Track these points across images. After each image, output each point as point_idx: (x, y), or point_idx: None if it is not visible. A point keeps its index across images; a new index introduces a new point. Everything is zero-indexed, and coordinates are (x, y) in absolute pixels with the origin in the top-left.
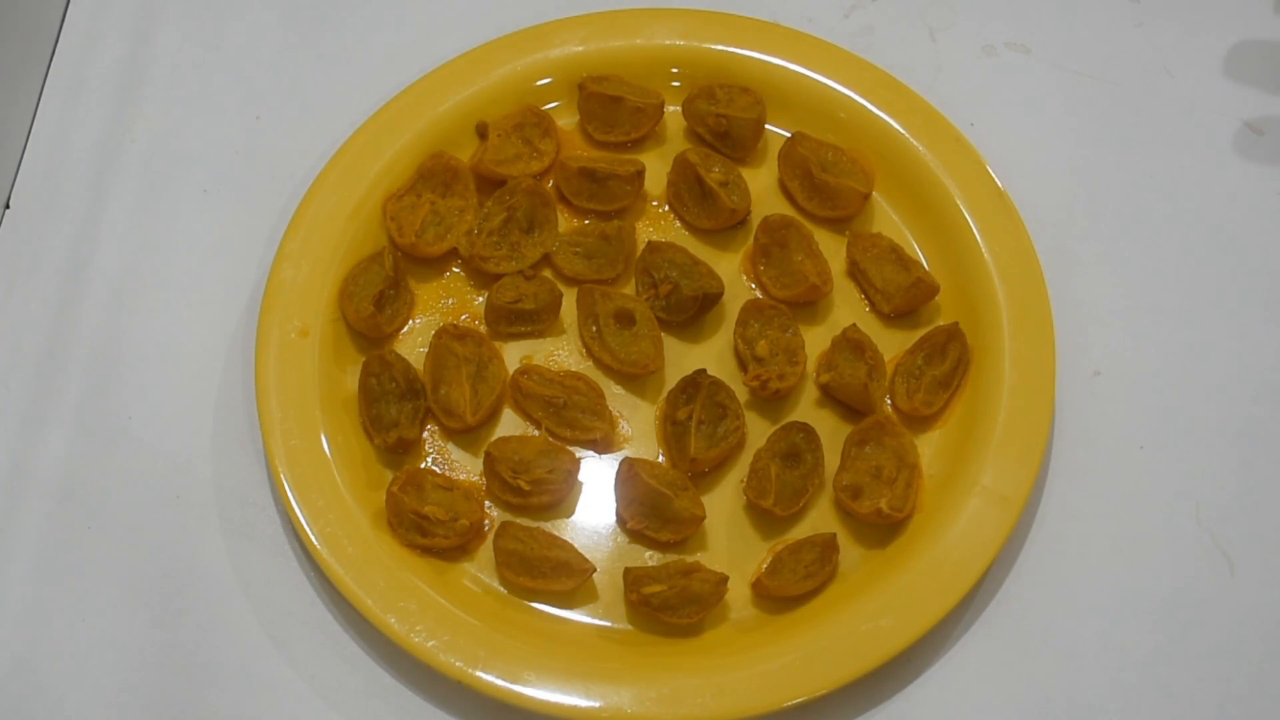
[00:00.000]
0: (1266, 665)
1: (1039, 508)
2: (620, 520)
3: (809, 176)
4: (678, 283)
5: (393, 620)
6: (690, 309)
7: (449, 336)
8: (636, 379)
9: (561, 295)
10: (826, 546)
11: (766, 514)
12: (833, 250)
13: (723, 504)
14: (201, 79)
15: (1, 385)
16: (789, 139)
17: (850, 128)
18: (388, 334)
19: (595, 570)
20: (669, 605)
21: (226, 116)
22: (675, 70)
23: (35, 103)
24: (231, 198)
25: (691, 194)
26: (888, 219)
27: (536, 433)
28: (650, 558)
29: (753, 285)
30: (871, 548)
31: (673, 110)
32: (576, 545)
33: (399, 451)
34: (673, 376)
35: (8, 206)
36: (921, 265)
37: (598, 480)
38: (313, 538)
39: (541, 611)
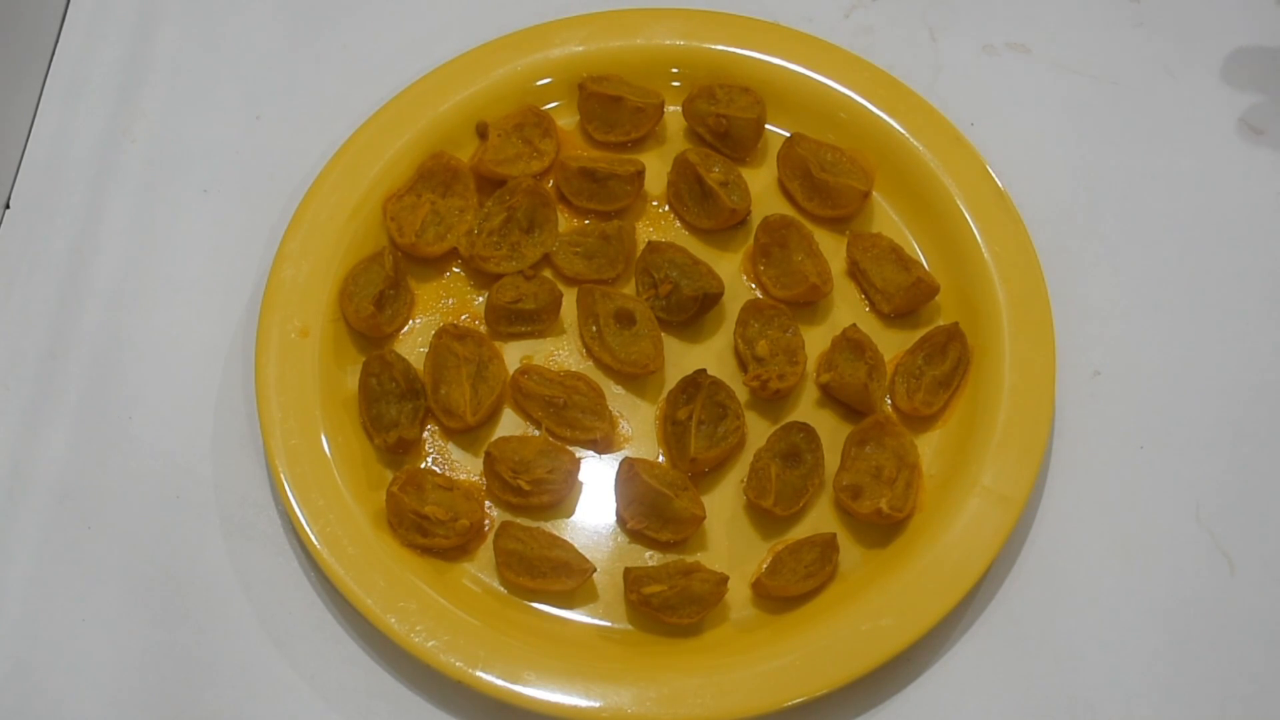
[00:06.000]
0: (1266, 665)
1: (1039, 508)
2: (620, 520)
3: (808, 176)
4: (678, 283)
5: (393, 620)
6: (690, 309)
7: (449, 336)
8: (636, 379)
9: (561, 295)
10: (827, 546)
11: (766, 514)
12: (833, 250)
13: (723, 504)
14: (201, 79)
15: (1, 385)
16: (786, 140)
17: (850, 128)
18: (388, 334)
19: (595, 570)
20: (669, 605)
21: (226, 116)
22: (675, 70)
23: (35, 103)
24: (231, 198)
25: (691, 194)
26: (888, 219)
27: (536, 433)
28: (650, 558)
29: (753, 285)
30: (871, 548)
31: (673, 110)
32: (576, 545)
33: (399, 451)
34: (673, 376)
35: (8, 206)
36: (921, 265)
37: (598, 480)
38: (313, 538)
39: (541, 611)
